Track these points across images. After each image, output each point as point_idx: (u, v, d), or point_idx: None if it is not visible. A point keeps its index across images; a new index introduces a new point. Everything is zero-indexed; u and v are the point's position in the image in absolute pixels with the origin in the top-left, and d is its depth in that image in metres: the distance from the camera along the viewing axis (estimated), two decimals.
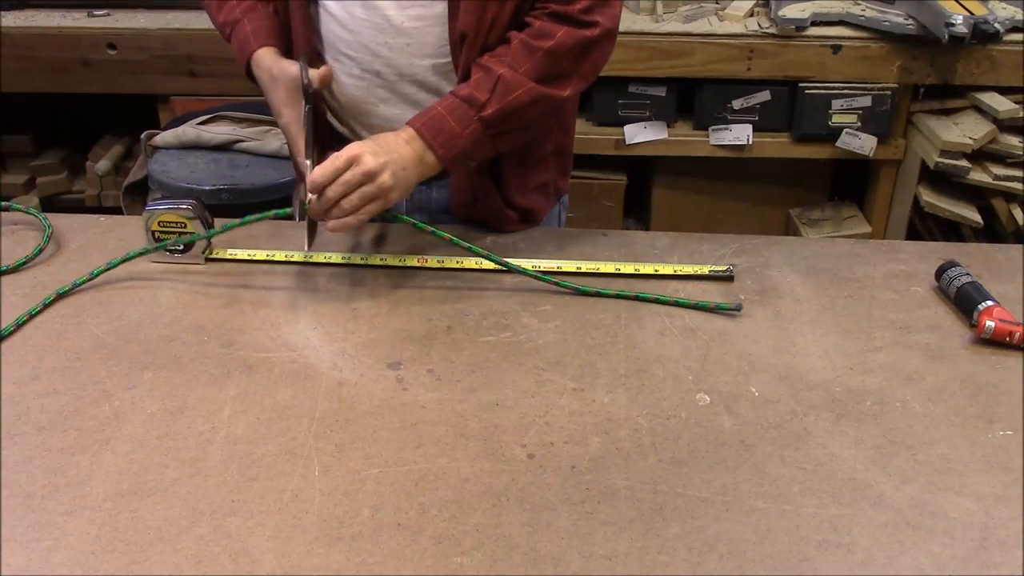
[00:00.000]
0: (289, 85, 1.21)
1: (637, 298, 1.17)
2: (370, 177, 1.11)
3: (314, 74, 1.21)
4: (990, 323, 1.09)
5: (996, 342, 1.10)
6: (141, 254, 1.22)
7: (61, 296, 1.16)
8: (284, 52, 1.27)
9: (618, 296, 1.18)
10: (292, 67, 1.22)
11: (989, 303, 1.12)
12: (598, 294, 1.18)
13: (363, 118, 1.31)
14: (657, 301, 1.16)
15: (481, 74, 1.19)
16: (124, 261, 1.21)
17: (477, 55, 1.21)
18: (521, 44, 1.19)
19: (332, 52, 1.27)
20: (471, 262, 1.24)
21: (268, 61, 1.24)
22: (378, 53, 1.23)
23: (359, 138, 1.32)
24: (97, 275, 1.19)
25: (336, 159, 1.11)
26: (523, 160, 1.34)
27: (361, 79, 1.26)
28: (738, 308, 1.16)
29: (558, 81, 1.21)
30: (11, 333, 1.10)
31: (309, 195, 1.12)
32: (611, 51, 1.25)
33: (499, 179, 1.32)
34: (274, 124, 2.37)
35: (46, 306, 1.15)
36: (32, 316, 1.12)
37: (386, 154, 1.13)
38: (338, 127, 1.35)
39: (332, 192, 1.11)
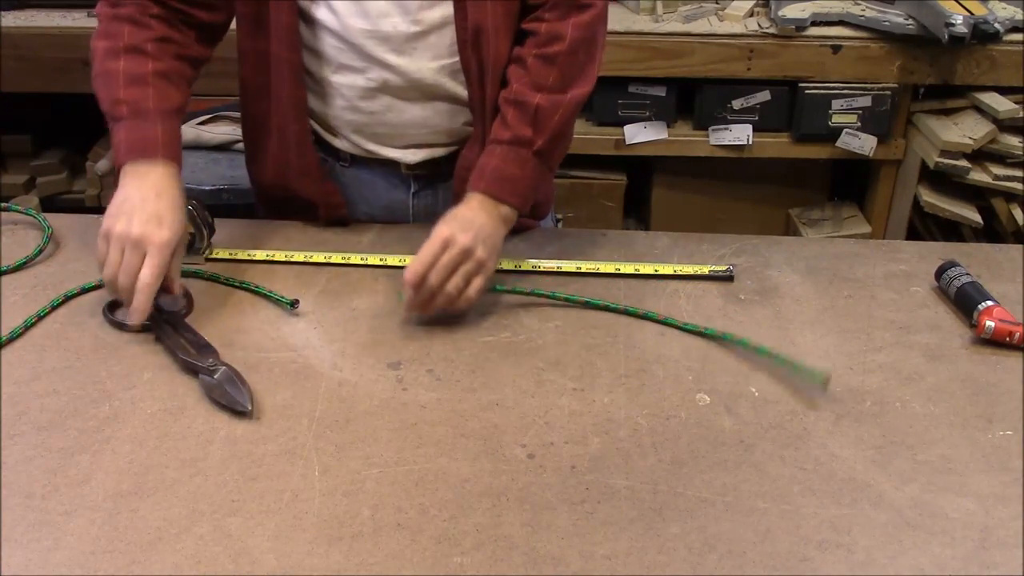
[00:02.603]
0: (182, 234, 1.12)
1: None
2: (467, 254, 1.10)
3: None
4: (990, 323, 1.09)
5: (996, 342, 1.10)
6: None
7: (69, 298, 1.16)
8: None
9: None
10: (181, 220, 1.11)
11: (989, 303, 1.12)
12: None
13: (368, 129, 1.28)
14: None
15: (514, 110, 1.18)
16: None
17: (489, 52, 1.19)
18: (537, 59, 1.18)
19: (332, 67, 1.24)
20: None
21: (171, 183, 1.13)
22: (386, 63, 1.21)
23: (363, 151, 1.31)
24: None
25: (430, 245, 1.09)
26: None
27: (366, 90, 1.24)
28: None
29: (581, 78, 1.21)
30: (20, 335, 1.10)
31: (407, 290, 1.09)
32: (605, 35, 1.25)
33: None
34: None
35: (54, 308, 1.14)
36: (41, 317, 1.12)
37: (471, 227, 1.12)
38: (335, 142, 1.32)
39: (435, 279, 1.09)
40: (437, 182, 1.34)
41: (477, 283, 1.12)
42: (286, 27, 1.20)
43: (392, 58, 1.21)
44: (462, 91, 1.24)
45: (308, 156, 1.29)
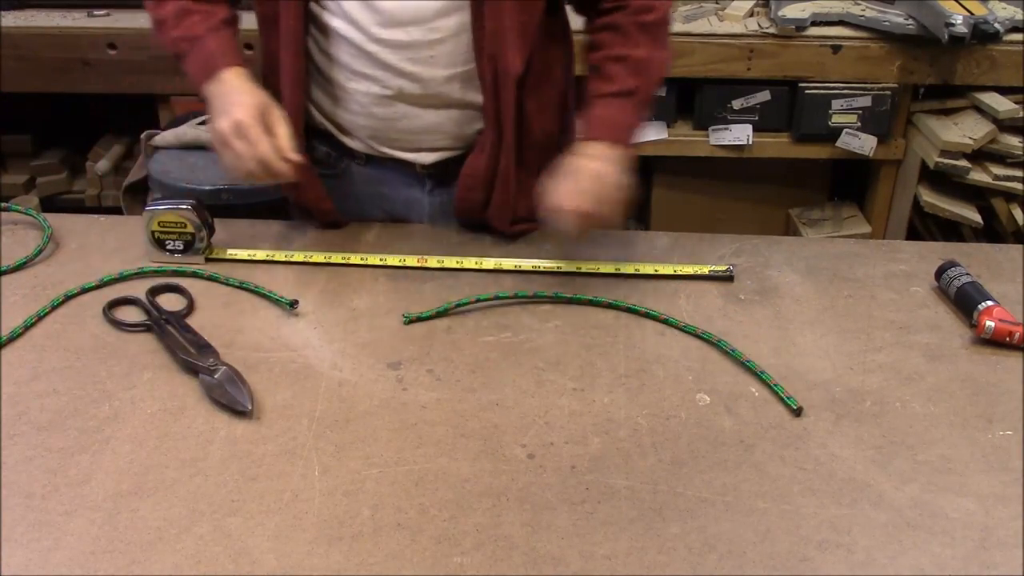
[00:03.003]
0: (262, 101, 1.17)
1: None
2: (615, 186, 1.16)
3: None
4: (990, 323, 1.09)
5: (996, 342, 1.10)
6: (157, 272, 1.22)
7: (69, 298, 1.16)
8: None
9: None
10: (267, 97, 1.18)
11: (989, 303, 1.12)
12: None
13: (383, 134, 1.29)
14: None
15: (619, 65, 1.21)
16: (136, 275, 1.21)
17: (506, 60, 1.19)
18: (633, 25, 1.22)
19: (346, 75, 1.24)
20: (471, 262, 1.24)
21: (243, 79, 1.19)
22: (401, 71, 1.21)
23: (378, 152, 1.31)
24: (108, 282, 1.19)
25: (582, 177, 1.15)
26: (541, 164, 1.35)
27: (382, 97, 1.24)
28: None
29: (664, 47, 1.26)
30: (20, 335, 1.10)
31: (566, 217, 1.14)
32: None
33: (516, 185, 1.30)
34: None
35: (54, 307, 1.14)
36: (41, 317, 1.12)
37: (609, 165, 1.17)
38: (349, 143, 1.32)
39: (593, 206, 1.14)
40: (452, 181, 1.34)
41: (615, 216, 1.17)
42: (292, 31, 1.20)
43: (408, 66, 1.21)
44: (476, 98, 1.24)
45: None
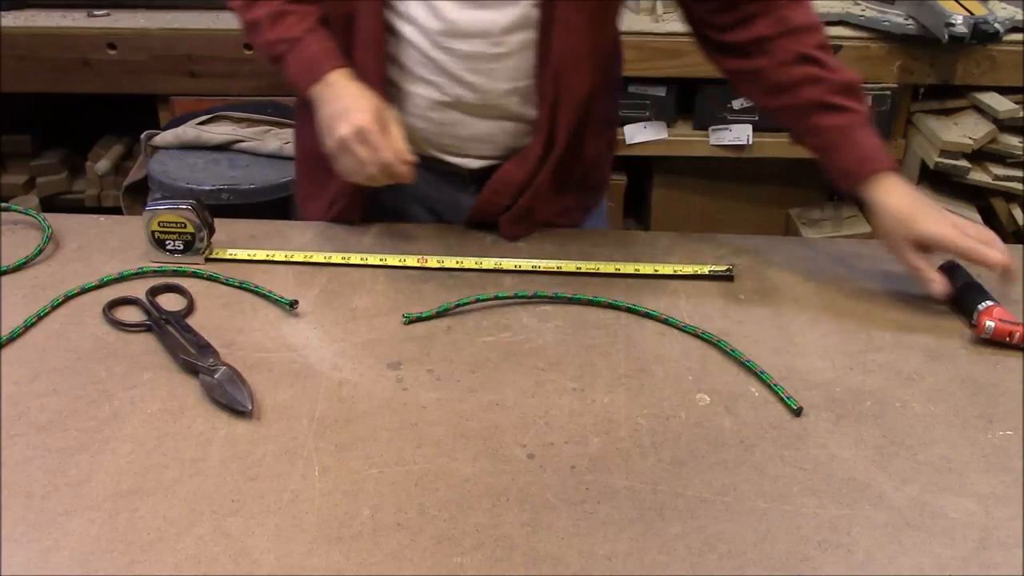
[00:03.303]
0: (378, 104, 1.17)
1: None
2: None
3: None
4: (990, 323, 1.09)
5: (996, 342, 1.10)
6: (157, 272, 1.22)
7: (69, 298, 1.16)
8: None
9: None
10: (379, 100, 1.18)
11: (989, 303, 1.12)
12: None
13: (434, 139, 1.29)
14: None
15: (844, 98, 1.20)
16: (136, 275, 1.21)
17: (571, 81, 1.20)
18: (817, 48, 1.21)
19: (407, 77, 1.24)
20: (471, 262, 1.24)
21: (351, 80, 1.20)
22: (463, 80, 1.21)
23: (427, 155, 1.30)
24: (108, 282, 1.19)
25: (959, 237, 1.14)
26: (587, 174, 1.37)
27: (439, 103, 1.24)
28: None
29: None
30: (20, 335, 1.10)
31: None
32: None
33: (543, 197, 1.31)
34: (274, 124, 2.37)
35: (54, 307, 1.15)
36: (41, 317, 1.12)
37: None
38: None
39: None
40: (463, 188, 1.35)
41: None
42: (372, 32, 1.21)
43: (469, 76, 1.21)
44: (532, 113, 1.25)
45: None
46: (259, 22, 1.24)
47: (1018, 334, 1.09)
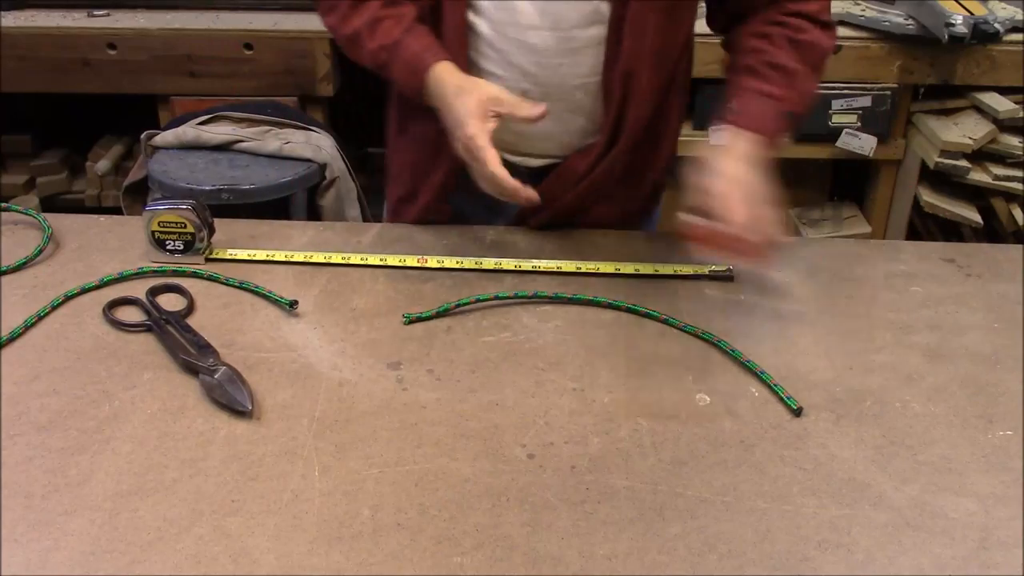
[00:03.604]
0: (482, 96, 1.14)
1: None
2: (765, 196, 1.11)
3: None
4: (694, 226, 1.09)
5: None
6: (157, 272, 1.22)
7: (69, 298, 1.16)
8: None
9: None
10: (487, 86, 1.16)
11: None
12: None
13: (502, 134, 1.25)
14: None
15: (772, 71, 1.19)
16: (136, 275, 1.21)
17: (641, 81, 1.20)
18: (787, 40, 1.20)
19: (474, 68, 1.24)
20: (471, 262, 1.24)
21: (453, 74, 1.18)
22: (527, 72, 1.21)
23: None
24: (108, 282, 1.19)
25: (732, 188, 1.09)
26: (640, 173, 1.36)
27: None
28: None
29: (816, 76, 1.23)
30: (20, 335, 1.10)
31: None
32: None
33: (597, 190, 1.30)
34: (274, 124, 2.37)
35: (54, 308, 1.15)
36: (41, 317, 1.12)
37: (755, 168, 1.13)
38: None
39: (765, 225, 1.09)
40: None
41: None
42: (456, 29, 1.21)
43: (535, 70, 1.21)
44: (598, 111, 1.25)
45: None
46: (359, 34, 1.22)
47: (718, 240, 1.08)
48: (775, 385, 1.03)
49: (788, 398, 1.01)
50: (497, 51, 1.22)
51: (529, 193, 1.14)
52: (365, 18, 1.22)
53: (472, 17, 1.22)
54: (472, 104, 1.14)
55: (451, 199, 1.36)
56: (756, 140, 1.15)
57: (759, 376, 1.05)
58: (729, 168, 1.11)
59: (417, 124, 1.34)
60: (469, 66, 1.24)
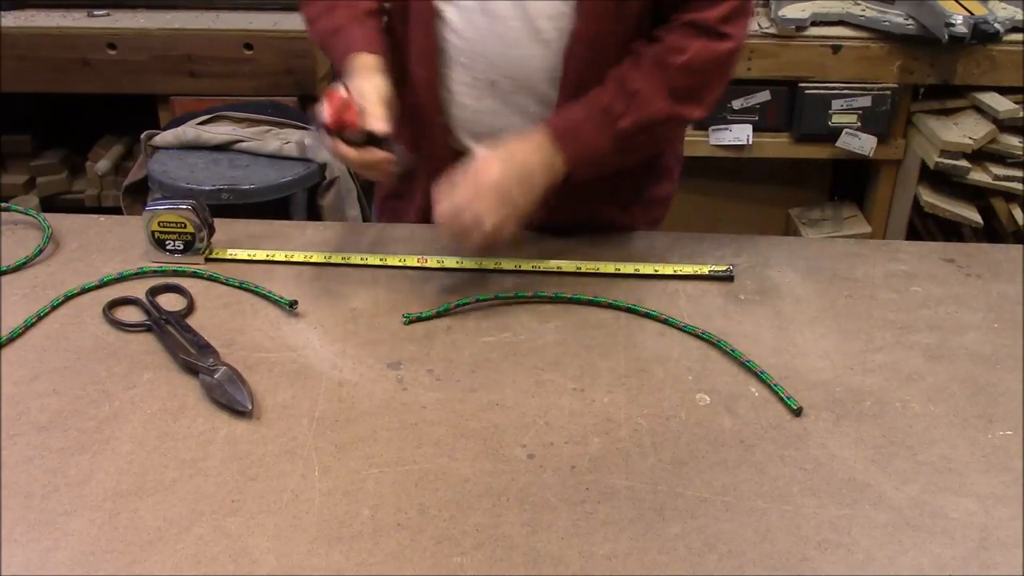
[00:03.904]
0: (356, 87, 1.14)
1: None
2: (491, 231, 1.11)
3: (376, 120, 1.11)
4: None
5: None
6: (157, 272, 1.22)
7: (69, 298, 1.16)
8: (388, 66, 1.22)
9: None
10: (371, 84, 1.14)
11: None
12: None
13: (472, 127, 1.28)
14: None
15: (615, 85, 1.17)
16: (136, 275, 1.21)
17: (594, 67, 1.19)
18: (652, 60, 1.17)
19: (444, 59, 1.24)
20: (471, 262, 1.24)
21: (365, 65, 1.17)
22: (496, 63, 1.21)
23: (461, 147, 1.30)
24: (108, 282, 1.19)
25: (466, 180, 1.11)
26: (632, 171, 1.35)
27: (473, 87, 1.24)
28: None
29: (689, 100, 1.19)
30: (20, 335, 1.10)
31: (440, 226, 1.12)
32: (733, 73, 1.22)
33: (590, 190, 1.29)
34: (274, 124, 2.37)
35: (54, 308, 1.15)
36: (41, 318, 1.12)
37: (514, 163, 1.13)
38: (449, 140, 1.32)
39: (468, 218, 1.10)
40: None
41: (509, 221, 1.13)
42: (424, 15, 1.22)
43: (504, 62, 1.21)
44: (564, 101, 1.23)
45: (447, 149, 1.30)
46: (315, 17, 1.27)
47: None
48: (775, 385, 1.03)
49: (788, 398, 1.01)
50: (465, 40, 1.21)
51: (385, 156, 1.13)
52: (323, 4, 1.26)
53: (441, 4, 1.21)
54: (333, 102, 1.13)
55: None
56: (551, 144, 1.15)
57: (759, 376, 1.05)
58: (481, 160, 1.13)
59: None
60: (437, 55, 1.24)
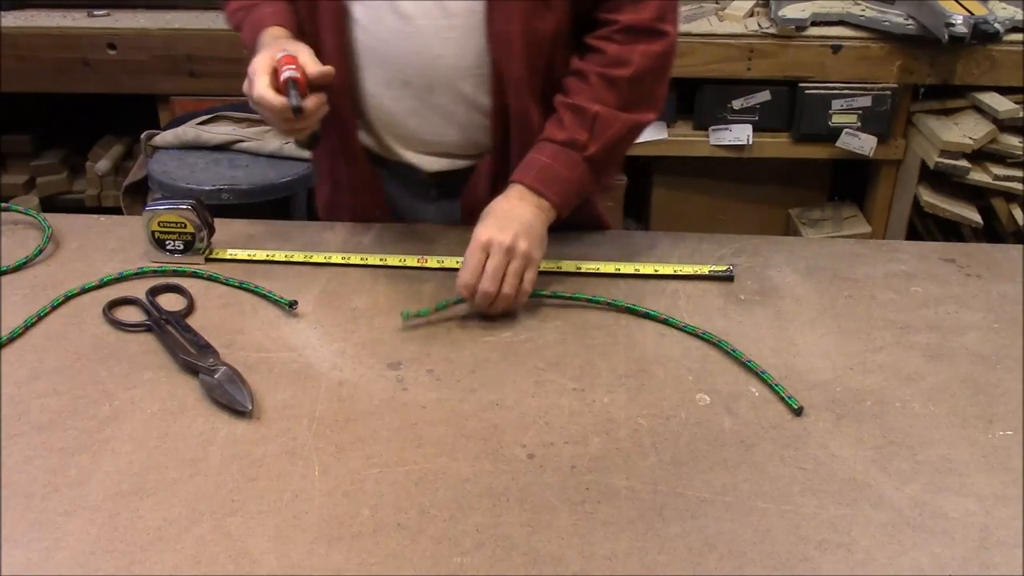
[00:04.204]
0: (283, 47, 1.15)
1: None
2: (511, 253, 1.11)
3: (314, 71, 1.13)
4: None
5: None
6: (157, 272, 1.22)
7: (69, 298, 1.16)
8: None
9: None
10: (297, 47, 1.15)
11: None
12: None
13: (393, 129, 1.28)
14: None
15: (571, 114, 1.17)
16: (136, 275, 1.21)
17: (522, 63, 1.18)
18: (600, 77, 1.17)
19: (357, 60, 1.23)
20: None
21: (281, 35, 1.20)
22: (410, 63, 1.20)
23: (390, 151, 1.30)
24: (108, 282, 1.19)
25: (472, 252, 1.11)
26: None
27: (388, 88, 1.23)
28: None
29: (643, 107, 1.20)
30: (20, 335, 1.10)
31: (467, 298, 1.12)
32: (674, 66, 1.23)
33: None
34: None
35: (54, 308, 1.15)
36: (41, 317, 1.12)
37: (510, 223, 1.12)
38: (366, 141, 1.32)
39: (489, 286, 1.10)
40: (458, 194, 1.34)
41: (529, 276, 1.12)
42: (333, 13, 1.20)
43: (416, 60, 1.20)
44: (484, 100, 1.23)
45: (358, 148, 1.30)
46: (233, 6, 1.28)
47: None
48: (776, 385, 1.03)
49: (789, 397, 1.01)
50: (377, 40, 1.20)
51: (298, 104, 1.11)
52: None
53: (350, 4, 1.20)
54: (269, 50, 1.14)
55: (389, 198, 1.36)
56: (528, 191, 1.16)
57: (760, 376, 1.05)
58: (481, 231, 1.12)
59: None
60: (350, 56, 1.22)
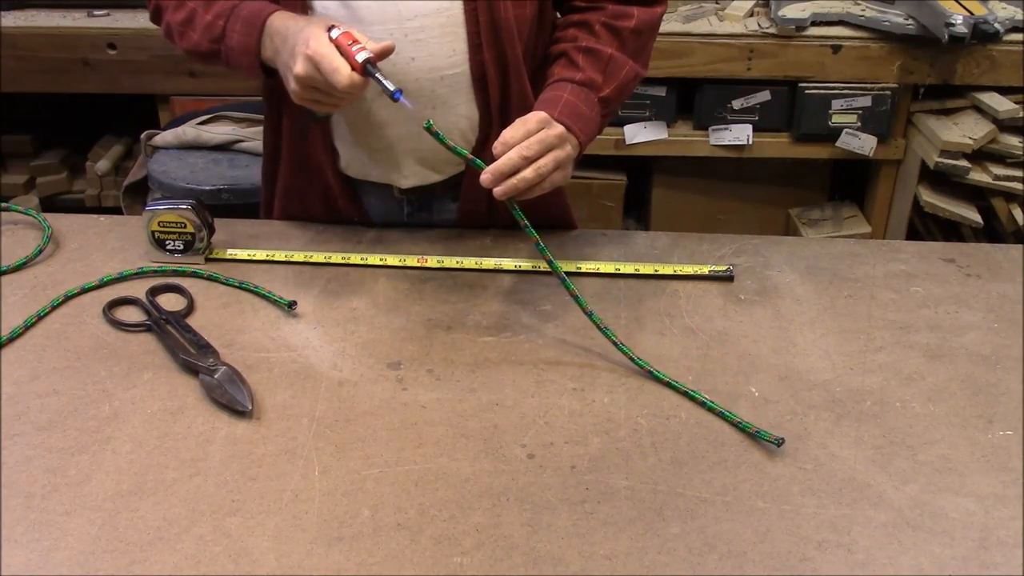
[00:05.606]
0: (328, 22, 1.08)
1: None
2: (561, 140, 1.09)
3: (376, 47, 1.06)
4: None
5: None
6: (157, 272, 1.22)
7: (69, 298, 1.16)
8: None
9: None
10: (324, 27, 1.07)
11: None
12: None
13: (366, 139, 1.25)
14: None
15: (585, 56, 1.19)
16: (136, 275, 1.21)
17: (501, 60, 1.17)
18: (605, 27, 1.20)
19: None
20: (471, 262, 1.24)
21: (297, 16, 1.12)
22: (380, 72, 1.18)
23: (363, 159, 1.27)
24: (108, 282, 1.19)
25: (526, 121, 1.07)
26: None
27: (359, 100, 1.19)
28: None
29: (639, 59, 1.24)
30: (20, 335, 1.10)
31: (497, 148, 1.05)
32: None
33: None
34: None
35: (54, 308, 1.14)
36: (41, 317, 1.12)
37: (551, 122, 1.11)
38: (338, 146, 1.28)
39: (529, 151, 1.05)
40: (432, 201, 1.33)
41: (557, 176, 1.09)
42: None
43: (387, 66, 1.13)
44: (470, 102, 1.21)
45: (329, 155, 1.28)
46: (194, 12, 1.18)
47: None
48: (746, 424, 0.97)
49: (765, 434, 0.96)
50: None
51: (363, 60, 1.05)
52: (200, 2, 1.18)
53: (315, 3, 1.16)
54: (312, 28, 1.06)
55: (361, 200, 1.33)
56: (563, 128, 1.13)
57: (729, 417, 0.99)
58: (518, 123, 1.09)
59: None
60: None
